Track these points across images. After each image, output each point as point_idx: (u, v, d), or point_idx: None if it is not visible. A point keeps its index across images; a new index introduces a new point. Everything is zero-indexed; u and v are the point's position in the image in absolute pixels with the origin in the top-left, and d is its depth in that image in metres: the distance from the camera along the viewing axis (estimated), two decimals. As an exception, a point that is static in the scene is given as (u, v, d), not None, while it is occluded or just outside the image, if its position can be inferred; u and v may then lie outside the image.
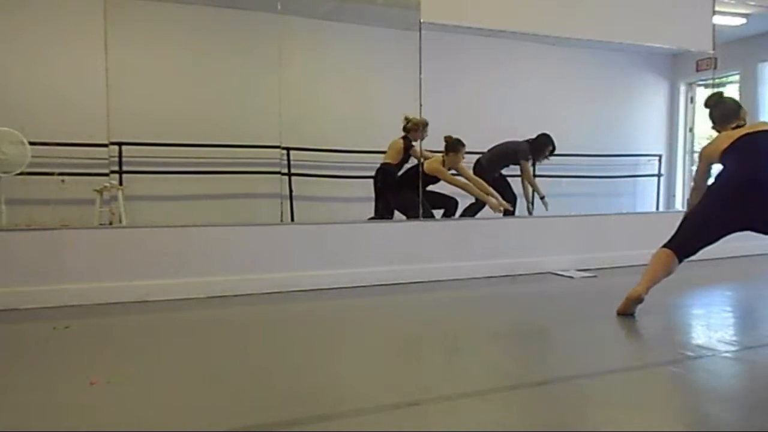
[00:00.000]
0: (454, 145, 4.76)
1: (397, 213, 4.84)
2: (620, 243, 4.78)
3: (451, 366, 2.36)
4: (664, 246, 2.96)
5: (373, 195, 4.97)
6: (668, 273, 2.93)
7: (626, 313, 2.94)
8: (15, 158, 3.91)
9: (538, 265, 4.44)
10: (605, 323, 3.01)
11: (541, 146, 5.34)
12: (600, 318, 3.14)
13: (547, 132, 5.33)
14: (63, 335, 2.75)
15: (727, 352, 2.45)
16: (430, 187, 4.79)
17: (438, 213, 4.84)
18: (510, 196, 5.22)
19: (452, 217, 4.86)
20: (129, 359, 2.39)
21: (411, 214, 4.60)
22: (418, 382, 2.15)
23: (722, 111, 3.13)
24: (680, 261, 2.93)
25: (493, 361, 2.46)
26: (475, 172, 5.11)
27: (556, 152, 5.47)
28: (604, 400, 1.94)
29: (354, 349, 2.59)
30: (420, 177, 4.61)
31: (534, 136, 5.39)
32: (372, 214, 4.88)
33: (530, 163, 5.33)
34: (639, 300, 2.90)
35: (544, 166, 6.05)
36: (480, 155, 5.32)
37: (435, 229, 4.43)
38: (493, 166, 5.26)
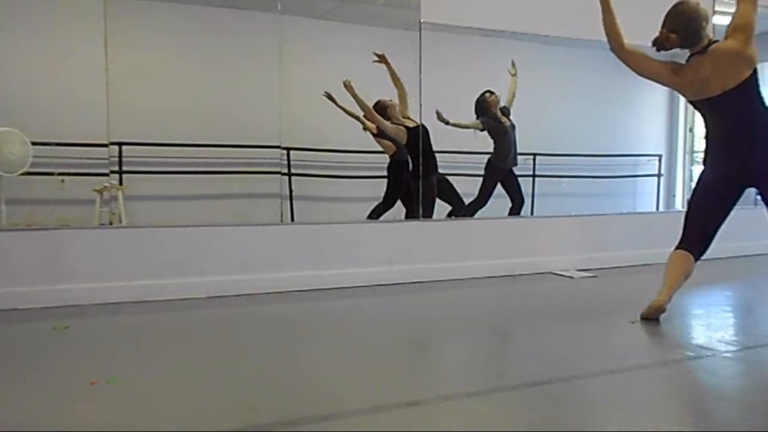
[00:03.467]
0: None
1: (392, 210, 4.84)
2: (620, 243, 4.78)
3: (451, 366, 2.36)
4: (677, 248, 2.93)
5: (371, 195, 4.96)
6: (687, 275, 2.89)
7: (650, 318, 2.90)
8: (21, 158, 3.94)
9: (538, 265, 4.44)
10: (605, 323, 3.01)
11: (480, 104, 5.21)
12: (600, 318, 3.15)
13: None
14: (63, 335, 2.75)
15: (727, 352, 2.45)
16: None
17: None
18: (519, 201, 5.21)
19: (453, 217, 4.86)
20: (129, 359, 2.39)
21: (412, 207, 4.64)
22: (418, 382, 2.15)
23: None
24: (697, 258, 2.89)
25: (493, 360, 2.46)
26: (487, 173, 5.17)
27: (558, 153, 5.47)
28: (604, 400, 1.94)
29: (354, 349, 2.59)
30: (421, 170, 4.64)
31: (533, 134, 5.41)
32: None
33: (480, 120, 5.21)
34: (662, 310, 2.87)
35: (544, 167, 6.07)
36: (474, 155, 5.33)
37: (435, 229, 4.43)
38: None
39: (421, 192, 4.56)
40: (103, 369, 2.21)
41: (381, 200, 4.81)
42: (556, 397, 1.97)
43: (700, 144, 6.80)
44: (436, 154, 4.89)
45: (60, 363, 2.36)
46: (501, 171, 5.19)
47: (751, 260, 5.09)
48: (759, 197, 2.80)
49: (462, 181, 5.19)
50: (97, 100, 3.97)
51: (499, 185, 5.22)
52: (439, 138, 4.99)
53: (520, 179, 5.38)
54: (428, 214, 4.65)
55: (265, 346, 2.63)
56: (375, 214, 4.72)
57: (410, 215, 4.66)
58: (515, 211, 5.18)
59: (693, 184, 3.15)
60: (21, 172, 3.98)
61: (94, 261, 3.41)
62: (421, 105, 4.57)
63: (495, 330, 2.97)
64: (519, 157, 5.43)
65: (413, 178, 4.68)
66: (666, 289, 2.87)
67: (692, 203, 2.96)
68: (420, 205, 4.56)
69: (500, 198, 5.23)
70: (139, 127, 4.66)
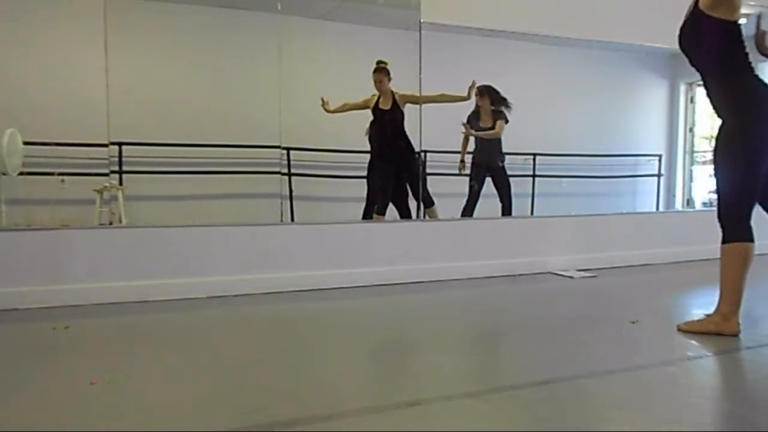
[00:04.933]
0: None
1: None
2: (620, 243, 4.78)
3: (450, 366, 2.36)
4: (741, 239, 2.57)
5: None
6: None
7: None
8: (21, 158, 3.98)
9: (538, 265, 4.44)
10: (605, 323, 3.01)
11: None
12: (600, 318, 3.14)
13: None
14: (63, 335, 2.75)
15: (727, 352, 2.45)
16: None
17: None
18: (506, 201, 5.17)
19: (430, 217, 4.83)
20: (129, 359, 2.39)
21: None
22: (418, 382, 2.15)
23: None
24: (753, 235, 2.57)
25: (493, 360, 2.46)
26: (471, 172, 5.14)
27: (558, 153, 5.43)
28: (604, 400, 1.94)
29: (354, 348, 2.59)
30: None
31: (533, 134, 5.40)
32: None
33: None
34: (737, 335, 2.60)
35: (544, 167, 6.07)
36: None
37: (435, 229, 4.43)
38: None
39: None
40: (103, 369, 2.21)
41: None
42: (557, 397, 1.96)
43: (700, 144, 6.83)
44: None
45: (60, 363, 2.36)
46: (480, 168, 5.18)
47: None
48: None
49: (461, 182, 5.21)
50: (97, 100, 3.97)
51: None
52: (441, 138, 5.02)
53: (520, 179, 5.37)
54: (382, 203, 4.71)
55: (265, 346, 2.62)
56: (382, 209, 4.72)
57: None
58: (505, 211, 5.13)
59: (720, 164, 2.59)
60: (18, 171, 4.01)
61: (94, 261, 3.41)
62: (421, 105, 4.57)
63: (495, 330, 2.97)
64: (519, 157, 5.43)
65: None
66: (735, 306, 2.63)
67: (750, 171, 2.52)
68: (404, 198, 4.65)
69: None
70: (139, 127, 4.67)
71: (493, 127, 5.13)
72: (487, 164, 5.18)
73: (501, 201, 5.13)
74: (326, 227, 4.03)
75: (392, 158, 4.77)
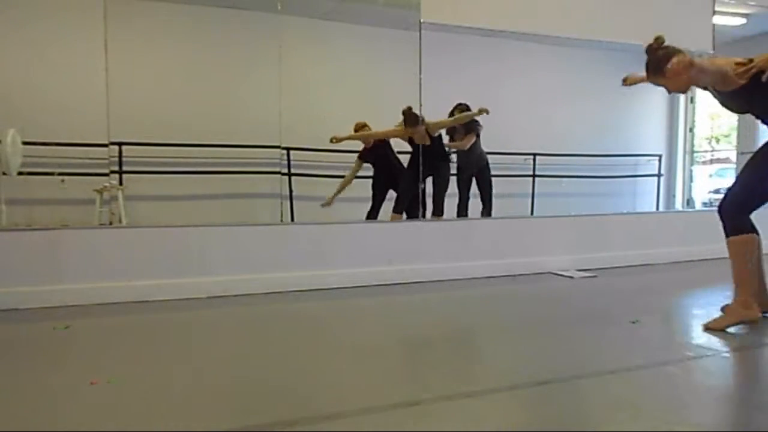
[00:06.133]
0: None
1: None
2: (620, 243, 4.78)
3: (451, 366, 2.36)
4: (746, 231, 2.65)
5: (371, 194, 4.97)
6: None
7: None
8: (20, 158, 3.98)
9: (538, 265, 4.44)
10: (605, 323, 3.01)
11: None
12: (600, 318, 3.14)
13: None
14: (63, 335, 2.75)
15: (727, 352, 2.45)
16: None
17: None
18: (486, 199, 5.16)
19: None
20: (129, 359, 2.39)
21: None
22: (418, 382, 2.15)
23: None
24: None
25: (493, 360, 2.46)
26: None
27: (558, 153, 5.41)
28: (604, 400, 1.94)
29: (354, 349, 2.59)
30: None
31: (533, 134, 5.38)
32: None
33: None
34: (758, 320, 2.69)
35: (544, 167, 6.08)
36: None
37: (435, 229, 4.43)
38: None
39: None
40: (103, 369, 2.21)
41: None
42: (556, 397, 1.97)
43: (700, 144, 6.83)
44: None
45: (60, 363, 2.36)
46: (464, 171, 5.20)
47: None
48: None
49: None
50: (97, 100, 3.97)
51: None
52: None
53: (520, 179, 5.35)
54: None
55: (265, 346, 2.63)
56: (400, 208, 4.75)
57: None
58: (485, 212, 5.09)
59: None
60: (18, 171, 4.01)
61: (94, 261, 3.41)
62: (421, 105, 4.57)
63: (494, 330, 2.97)
64: (519, 157, 5.43)
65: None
66: (750, 292, 2.67)
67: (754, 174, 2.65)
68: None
69: (503, 198, 5.23)
70: (139, 127, 4.66)
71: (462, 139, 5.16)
72: (470, 167, 5.18)
73: (482, 201, 5.13)
74: (326, 227, 4.03)
75: (428, 169, 4.79)
